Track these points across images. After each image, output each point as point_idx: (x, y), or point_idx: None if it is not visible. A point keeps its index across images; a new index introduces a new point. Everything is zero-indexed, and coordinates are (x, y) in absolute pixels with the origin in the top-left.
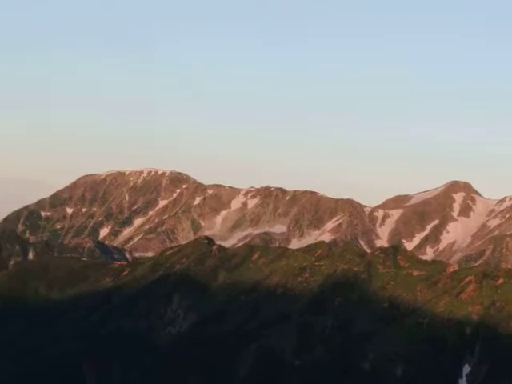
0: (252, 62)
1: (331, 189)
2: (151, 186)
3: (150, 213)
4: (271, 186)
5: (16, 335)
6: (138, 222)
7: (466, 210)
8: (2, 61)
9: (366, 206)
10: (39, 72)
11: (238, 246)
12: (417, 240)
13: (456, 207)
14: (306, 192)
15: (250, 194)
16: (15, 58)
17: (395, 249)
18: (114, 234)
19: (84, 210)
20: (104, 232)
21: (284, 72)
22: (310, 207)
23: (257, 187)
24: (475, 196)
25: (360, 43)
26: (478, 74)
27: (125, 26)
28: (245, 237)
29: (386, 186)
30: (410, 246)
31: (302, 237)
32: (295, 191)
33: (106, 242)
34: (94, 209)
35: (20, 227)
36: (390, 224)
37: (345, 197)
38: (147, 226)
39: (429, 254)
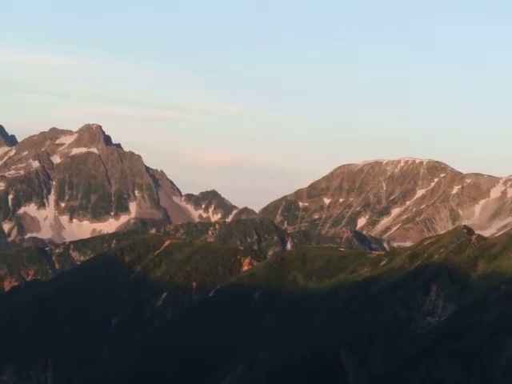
0: None
1: None
2: (408, 176)
3: (408, 202)
4: None
5: (274, 324)
6: (395, 211)
7: None
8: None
9: None
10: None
11: (497, 235)
12: None
13: None
14: None
15: (509, 183)
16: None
17: None
18: (372, 223)
19: (341, 200)
20: (361, 222)
21: None
22: None
23: None
24: None
25: None
26: None
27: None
28: (505, 226)
29: None
30: None
31: None
32: None
33: (364, 232)
34: (352, 199)
35: (278, 217)
36: None
37: None
38: (405, 216)
39: None
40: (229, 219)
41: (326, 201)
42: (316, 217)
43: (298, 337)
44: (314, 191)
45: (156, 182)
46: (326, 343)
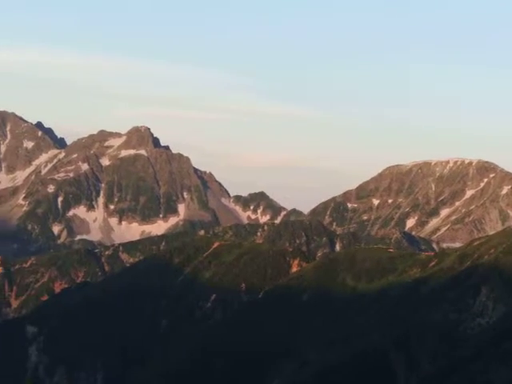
0: None
1: None
2: (458, 176)
3: (457, 203)
4: None
5: (323, 326)
6: (444, 212)
7: None
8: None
9: None
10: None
11: None
12: None
13: None
14: None
15: None
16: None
17: None
18: (421, 224)
19: (390, 201)
20: (410, 223)
21: None
22: None
23: None
24: None
25: None
26: None
27: None
28: None
29: None
30: None
31: None
32: None
33: (413, 233)
34: (400, 200)
35: (327, 219)
36: None
37: None
38: (454, 217)
39: None
40: (277, 220)
41: (375, 202)
42: (365, 218)
43: (348, 338)
44: (363, 192)
45: (204, 183)
46: (376, 344)
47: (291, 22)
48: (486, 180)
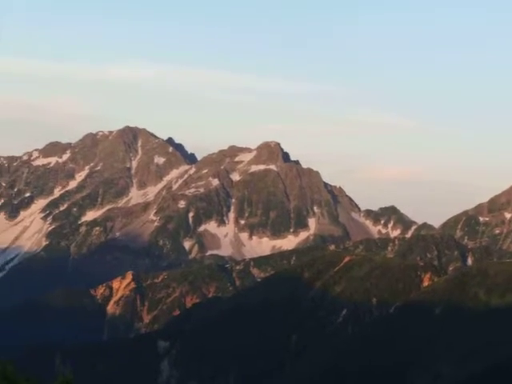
0: None
1: None
2: None
3: None
4: None
5: (456, 340)
6: None
7: None
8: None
9: None
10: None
11: None
12: None
13: None
14: None
15: None
16: None
17: None
18: None
19: None
20: None
21: None
22: None
23: None
24: None
25: None
26: None
27: None
28: None
29: None
30: None
31: None
32: None
33: None
34: None
35: (458, 233)
36: None
37: None
38: None
39: None
40: (408, 235)
41: (507, 215)
42: (497, 232)
43: (480, 352)
44: (495, 206)
45: (335, 198)
46: (509, 358)
47: (414, 38)
48: None
